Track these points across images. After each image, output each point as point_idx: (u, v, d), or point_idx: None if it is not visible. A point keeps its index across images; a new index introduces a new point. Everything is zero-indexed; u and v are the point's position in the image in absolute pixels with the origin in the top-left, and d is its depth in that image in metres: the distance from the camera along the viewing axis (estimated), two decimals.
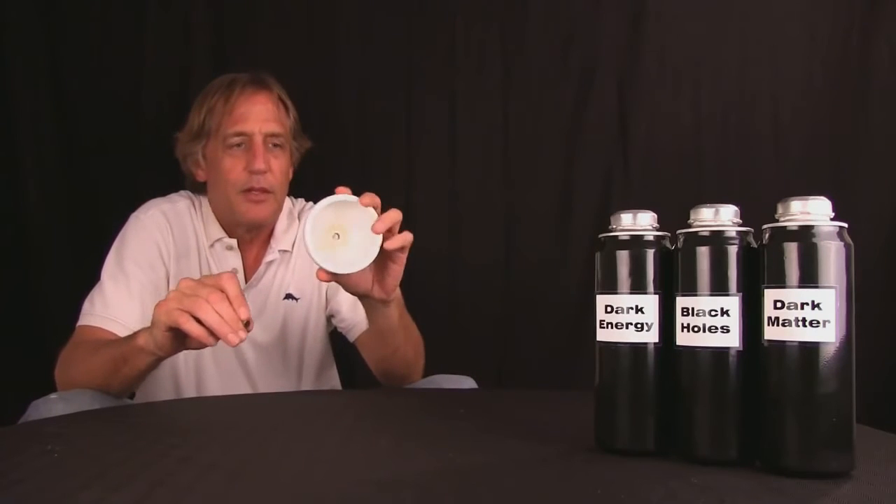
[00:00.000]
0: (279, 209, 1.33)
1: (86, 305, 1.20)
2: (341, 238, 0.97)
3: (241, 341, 0.89)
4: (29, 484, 0.55)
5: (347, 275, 0.99)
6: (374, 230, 0.96)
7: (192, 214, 1.33)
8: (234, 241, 1.31)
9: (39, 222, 1.81)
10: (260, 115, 1.27)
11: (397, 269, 1.03)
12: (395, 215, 0.98)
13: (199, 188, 1.35)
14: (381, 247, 0.97)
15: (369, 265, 0.98)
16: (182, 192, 1.36)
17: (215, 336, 0.90)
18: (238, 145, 1.26)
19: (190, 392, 1.30)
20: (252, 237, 1.33)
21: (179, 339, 0.94)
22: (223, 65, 1.86)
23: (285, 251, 1.35)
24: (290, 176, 1.34)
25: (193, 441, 0.72)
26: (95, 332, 1.17)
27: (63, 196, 1.82)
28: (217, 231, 1.31)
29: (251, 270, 1.33)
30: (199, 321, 0.89)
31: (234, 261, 1.31)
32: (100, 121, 1.84)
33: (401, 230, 1.01)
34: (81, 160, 1.83)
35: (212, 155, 1.29)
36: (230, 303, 0.90)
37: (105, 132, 1.84)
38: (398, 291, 1.10)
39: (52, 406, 0.97)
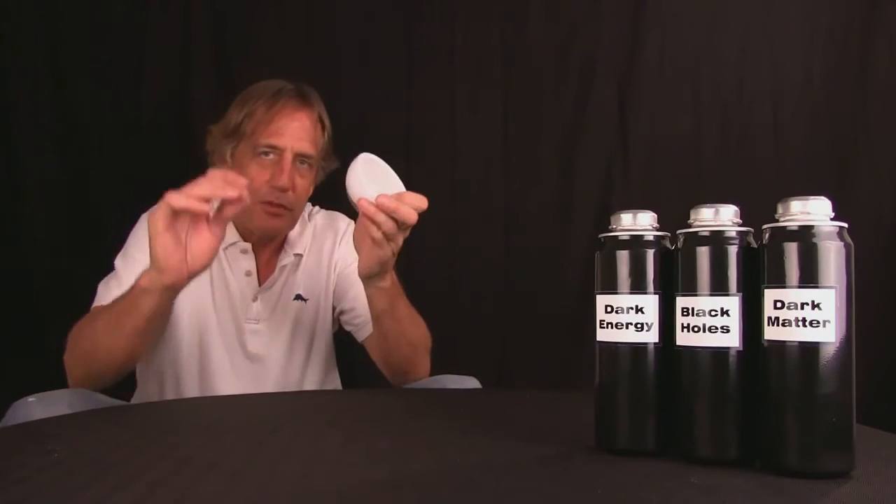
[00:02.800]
0: (293, 224, 1.33)
1: (100, 288, 1.21)
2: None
3: (240, 197, 0.95)
4: (29, 484, 0.55)
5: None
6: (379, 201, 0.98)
7: None
8: (248, 245, 1.31)
9: (39, 222, 1.81)
10: (296, 132, 1.26)
11: (372, 252, 1.03)
12: (411, 201, 0.99)
13: None
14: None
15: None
16: None
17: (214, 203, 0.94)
18: (267, 155, 1.26)
19: (195, 391, 1.29)
20: (266, 241, 1.33)
21: (177, 247, 0.95)
22: (223, 65, 1.86)
23: (299, 255, 1.35)
24: (311, 192, 1.34)
25: (193, 441, 0.72)
26: None
27: (63, 196, 1.82)
28: (232, 234, 1.30)
29: (265, 273, 1.33)
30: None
31: (247, 263, 1.31)
32: (99, 121, 1.84)
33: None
34: (81, 160, 1.83)
35: (240, 157, 1.28)
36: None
37: (105, 132, 1.84)
38: (388, 282, 1.11)
39: (30, 409, 0.95)
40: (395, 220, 0.98)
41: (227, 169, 1.30)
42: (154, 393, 1.31)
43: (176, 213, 0.93)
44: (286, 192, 1.25)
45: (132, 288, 1.01)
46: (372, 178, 1.01)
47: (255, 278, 1.32)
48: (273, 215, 1.27)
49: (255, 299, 1.31)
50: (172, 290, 0.99)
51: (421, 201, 0.98)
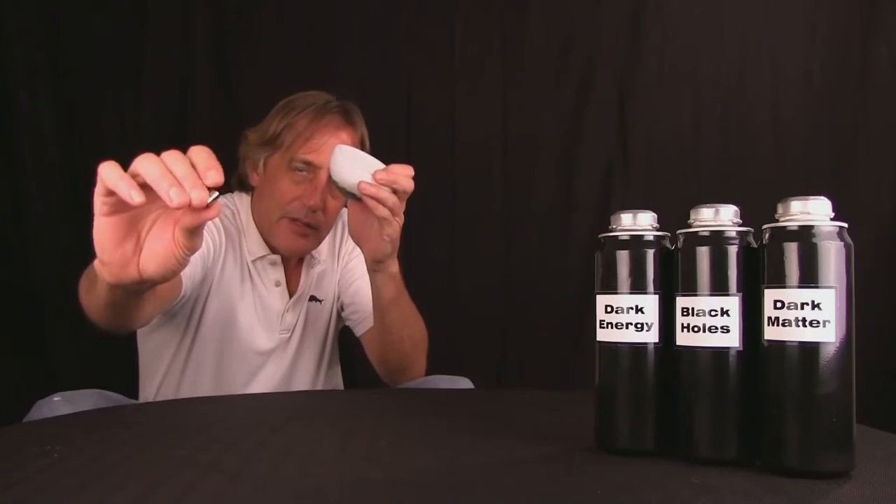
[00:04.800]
0: (318, 244, 1.30)
1: None
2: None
3: (197, 205, 0.64)
4: (29, 484, 0.55)
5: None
6: (376, 176, 1.01)
7: (237, 221, 1.29)
8: (277, 258, 1.29)
9: (39, 222, 1.81)
10: None
11: (382, 232, 1.05)
12: (396, 178, 1.01)
13: (244, 188, 1.32)
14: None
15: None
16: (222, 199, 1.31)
17: (152, 193, 0.64)
18: (302, 171, 1.23)
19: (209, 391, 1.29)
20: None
21: (122, 239, 0.70)
22: (223, 65, 1.86)
23: (324, 259, 1.35)
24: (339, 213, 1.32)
25: (193, 441, 0.72)
26: None
27: (63, 196, 1.82)
28: (260, 248, 1.28)
29: (293, 281, 1.32)
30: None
31: (276, 274, 1.30)
32: (100, 121, 1.84)
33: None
34: (81, 160, 1.83)
35: (273, 168, 1.25)
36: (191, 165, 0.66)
37: (105, 132, 1.84)
38: (395, 268, 1.13)
39: (55, 407, 0.97)
40: (396, 193, 1.02)
41: (256, 177, 1.28)
42: (158, 392, 1.31)
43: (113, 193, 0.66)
44: (316, 212, 1.23)
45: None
46: (356, 163, 1.03)
47: (284, 288, 1.31)
48: (299, 234, 1.24)
49: (287, 309, 1.31)
50: (121, 288, 0.76)
51: (408, 168, 1.03)
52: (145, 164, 0.65)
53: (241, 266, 1.28)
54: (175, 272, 0.74)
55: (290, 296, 1.31)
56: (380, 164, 1.04)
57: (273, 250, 1.29)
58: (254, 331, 1.28)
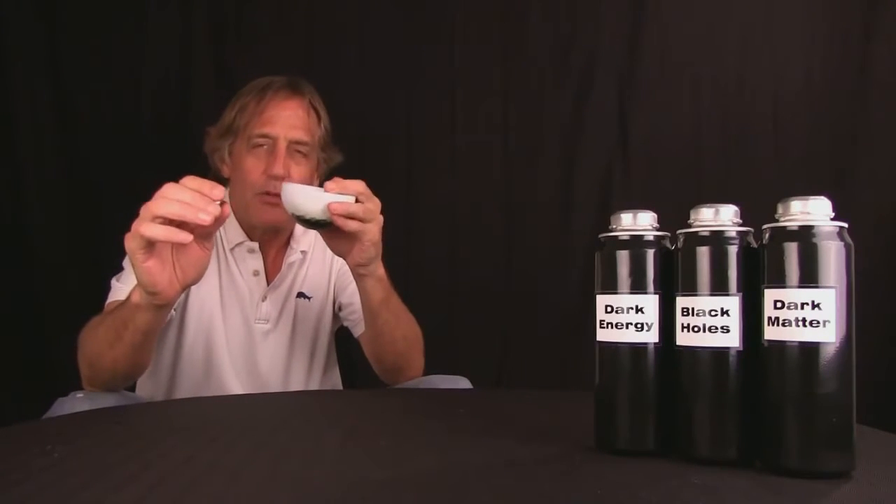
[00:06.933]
0: None
1: (112, 283, 1.19)
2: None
3: (216, 217, 0.84)
4: (29, 484, 0.55)
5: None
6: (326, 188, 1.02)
7: None
8: (255, 245, 1.31)
9: (39, 222, 1.81)
10: (288, 120, 1.27)
11: (358, 241, 1.05)
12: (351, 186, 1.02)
13: (223, 184, 1.34)
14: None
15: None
16: None
17: (188, 227, 0.84)
18: (262, 146, 1.27)
19: (199, 391, 1.29)
20: (270, 238, 1.33)
21: (164, 268, 0.89)
22: (223, 65, 1.86)
23: (305, 251, 1.35)
24: (314, 184, 1.32)
25: (193, 441, 0.72)
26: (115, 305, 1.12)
27: (63, 196, 1.82)
28: (238, 234, 1.30)
29: (273, 272, 1.33)
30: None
31: (255, 262, 1.31)
32: (99, 120, 1.84)
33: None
34: (81, 160, 1.83)
35: (237, 153, 1.30)
36: (193, 190, 0.85)
37: (105, 132, 1.84)
38: (381, 270, 1.13)
39: (77, 404, 0.97)
40: (357, 201, 1.03)
41: (226, 167, 1.32)
42: (156, 391, 1.31)
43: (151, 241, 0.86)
44: (282, 179, 1.24)
45: (126, 301, 0.98)
46: (305, 194, 1.05)
47: (263, 278, 1.32)
48: (271, 205, 1.25)
49: (263, 299, 1.31)
50: (166, 307, 0.96)
51: (358, 183, 1.04)
52: (164, 206, 0.84)
53: (219, 257, 1.30)
54: (204, 272, 0.95)
55: (269, 284, 1.32)
56: (321, 189, 1.04)
57: (251, 237, 1.30)
58: (233, 321, 1.29)
